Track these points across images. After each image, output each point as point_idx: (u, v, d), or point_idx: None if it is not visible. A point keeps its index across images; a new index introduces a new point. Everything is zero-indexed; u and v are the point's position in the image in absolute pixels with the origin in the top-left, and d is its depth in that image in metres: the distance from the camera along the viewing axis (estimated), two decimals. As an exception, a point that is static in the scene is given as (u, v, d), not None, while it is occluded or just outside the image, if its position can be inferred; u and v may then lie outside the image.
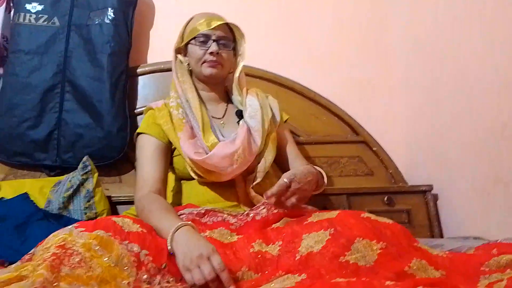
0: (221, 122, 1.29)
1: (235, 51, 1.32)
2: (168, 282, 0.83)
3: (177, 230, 0.90)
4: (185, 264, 0.84)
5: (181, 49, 1.33)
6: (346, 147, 1.91)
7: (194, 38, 1.25)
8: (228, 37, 1.29)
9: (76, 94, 1.69)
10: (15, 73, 1.67)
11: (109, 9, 1.75)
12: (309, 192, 1.04)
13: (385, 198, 1.70)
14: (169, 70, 1.85)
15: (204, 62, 1.25)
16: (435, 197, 1.75)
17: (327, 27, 2.03)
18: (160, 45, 1.94)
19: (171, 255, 0.87)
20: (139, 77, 1.87)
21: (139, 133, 1.26)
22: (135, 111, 1.83)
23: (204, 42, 1.25)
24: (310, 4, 2.04)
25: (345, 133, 1.93)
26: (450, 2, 1.67)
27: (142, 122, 1.31)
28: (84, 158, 1.58)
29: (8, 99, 1.66)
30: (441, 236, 1.68)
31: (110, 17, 1.74)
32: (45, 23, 1.72)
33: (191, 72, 1.32)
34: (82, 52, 1.71)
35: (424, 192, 1.74)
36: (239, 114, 1.28)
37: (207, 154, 1.15)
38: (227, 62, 1.29)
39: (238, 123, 1.25)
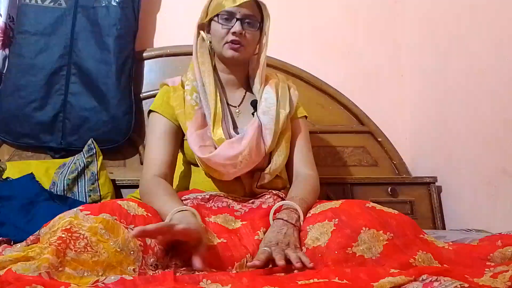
0: (237, 110, 1.21)
1: (262, 31, 1.20)
2: (176, 264, 0.83)
3: (177, 212, 0.91)
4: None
5: (205, 25, 1.21)
6: (351, 137, 1.90)
7: (218, 15, 1.15)
8: (255, 15, 1.16)
9: (82, 77, 1.69)
10: (22, 54, 1.67)
11: (116, -10, 1.73)
12: (295, 241, 0.89)
13: (389, 189, 1.71)
14: (176, 54, 1.86)
15: (226, 42, 1.14)
16: (439, 189, 1.75)
17: (336, 15, 2.01)
18: (167, 29, 1.93)
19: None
20: (145, 62, 1.86)
21: (151, 110, 1.20)
22: (141, 95, 1.82)
23: (227, 20, 1.14)
24: (319, -9, 2.01)
25: (351, 123, 1.92)
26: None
27: (156, 99, 1.23)
28: (89, 141, 1.59)
29: (14, 80, 1.66)
30: (444, 228, 1.68)
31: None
32: (52, 4, 1.71)
33: (213, 51, 1.21)
34: (88, 35, 1.70)
35: (428, 184, 1.74)
36: (254, 105, 1.19)
37: (214, 147, 1.09)
38: (251, 44, 1.18)
39: (253, 115, 1.17)
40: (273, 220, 0.96)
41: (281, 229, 0.91)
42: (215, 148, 1.10)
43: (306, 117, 1.30)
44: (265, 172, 1.13)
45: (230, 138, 1.11)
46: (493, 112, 1.46)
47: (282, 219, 0.94)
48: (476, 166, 1.54)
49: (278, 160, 1.15)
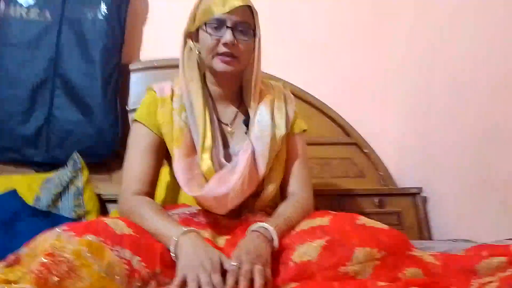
0: (230, 129, 1.11)
1: (255, 39, 1.08)
2: (163, 286, 0.80)
3: (182, 235, 0.87)
4: (184, 268, 0.80)
5: (193, 34, 1.09)
6: (338, 149, 1.92)
7: (206, 23, 1.03)
8: (248, 22, 1.04)
9: (67, 90, 1.67)
10: (5, 67, 1.65)
11: (102, 3, 1.73)
12: (266, 255, 0.85)
13: (376, 200, 1.72)
14: (162, 67, 1.86)
15: (216, 54, 1.03)
16: (425, 200, 1.77)
17: (321, 28, 2.04)
18: (153, 42, 1.93)
19: (165, 260, 0.85)
20: (131, 74, 1.86)
21: (135, 120, 1.10)
22: (127, 108, 1.81)
23: (217, 29, 1.02)
24: (304, 4, 2.04)
25: (337, 135, 1.94)
26: (445, 4, 1.68)
27: (141, 107, 1.11)
28: (74, 155, 1.56)
29: (-4, 93, 1.63)
30: (430, 238, 1.70)
31: (103, 12, 1.72)
32: (37, 16, 1.70)
33: (203, 62, 1.10)
34: (73, 47, 1.69)
35: (413, 195, 1.75)
36: (247, 124, 1.09)
37: (203, 176, 1.02)
38: (244, 55, 1.05)
39: (246, 133, 1.08)
40: (249, 232, 0.91)
41: (253, 240, 0.87)
42: (204, 177, 1.02)
43: (305, 130, 1.20)
44: (256, 200, 1.07)
45: (220, 167, 1.03)
46: (474, 122, 1.49)
47: (258, 231, 0.89)
48: (460, 176, 1.57)
49: (270, 187, 1.08)
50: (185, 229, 0.89)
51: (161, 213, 0.96)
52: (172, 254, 0.85)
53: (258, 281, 0.76)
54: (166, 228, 0.90)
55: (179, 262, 0.83)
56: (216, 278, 0.78)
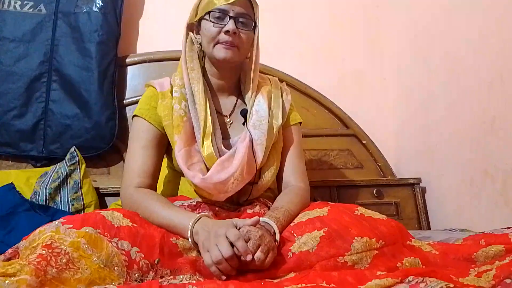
0: (228, 120, 1.13)
1: (255, 33, 1.11)
2: (162, 277, 0.80)
3: (196, 221, 0.88)
4: (205, 245, 0.83)
5: (194, 25, 1.12)
6: (336, 140, 1.92)
7: (209, 13, 1.06)
8: (249, 14, 1.08)
9: (63, 84, 1.66)
10: (0, 61, 1.63)
11: (97, -4, 1.71)
12: (271, 243, 0.84)
13: (374, 191, 1.72)
14: (159, 60, 1.85)
15: (217, 42, 1.06)
16: (423, 190, 1.77)
17: (319, 19, 2.03)
18: (150, 34, 1.92)
19: (163, 250, 0.85)
20: (128, 67, 1.84)
21: (135, 115, 1.12)
22: (124, 101, 1.80)
23: (220, 19, 1.05)
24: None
25: (335, 126, 1.94)
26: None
27: (142, 102, 1.13)
28: (72, 149, 1.56)
29: (-8, 87, 1.62)
30: (429, 228, 1.70)
31: (98, 5, 1.71)
32: (31, 10, 1.68)
33: (203, 54, 1.13)
34: (69, 41, 1.68)
35: (412, 185, 1.76)
36: (244, 115, 1.11)
37: (203, 163, 1.04)
38: (244, 45, 1.08)
39: (244, 124, 1.10)
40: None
41: (258, 230, 0.86)
42: (204, 164, 1.04)
43: (300, 123, 1.22)
44: (254, 187, 1.08)
45: (220, 154, 1.05)
46: (473, 113, 1.49)
47: (260, 225, 0.89)
48: (458, 167, 1.57)
49: (268, 175, 1.10)
50: (197, 216, 0.90)
51: (169, 205, 0.97)
52: (190, 239, 0.87)
53: (258, 255, 0.79)
54: (179, 218, 0.91)
55: (200, 248, 0.85)
56: (231, 233, 0.81)
